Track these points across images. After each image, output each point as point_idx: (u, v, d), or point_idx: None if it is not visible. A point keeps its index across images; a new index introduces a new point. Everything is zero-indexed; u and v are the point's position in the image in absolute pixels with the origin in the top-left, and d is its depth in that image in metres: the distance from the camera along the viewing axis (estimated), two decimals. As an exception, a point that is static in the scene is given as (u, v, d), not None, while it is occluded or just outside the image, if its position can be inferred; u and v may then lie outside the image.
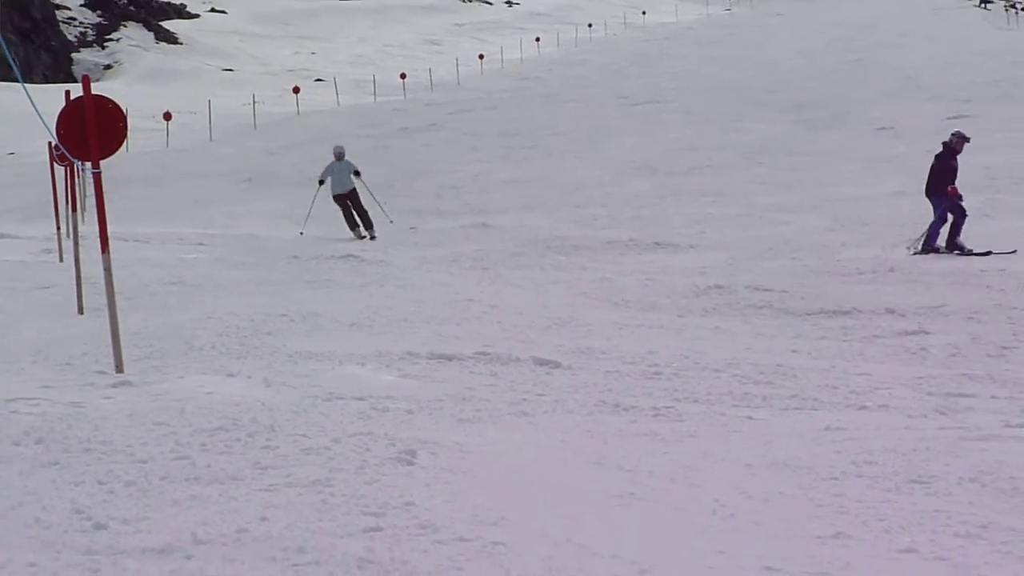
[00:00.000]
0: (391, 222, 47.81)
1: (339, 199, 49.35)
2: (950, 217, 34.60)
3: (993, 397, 19.05)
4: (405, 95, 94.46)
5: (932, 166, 35.92)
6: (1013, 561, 11.55)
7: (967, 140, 35.30)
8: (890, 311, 27.60)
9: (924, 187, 36.10)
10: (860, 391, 19.58)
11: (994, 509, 13.27)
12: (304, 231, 45.43)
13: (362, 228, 48.71)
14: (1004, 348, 23.18)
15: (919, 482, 14.24)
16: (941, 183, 34.60)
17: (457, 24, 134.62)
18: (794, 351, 23.42)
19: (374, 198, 49.63)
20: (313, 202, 47.83)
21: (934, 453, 15.61)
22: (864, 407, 18.43)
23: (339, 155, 49.86)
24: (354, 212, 49.30)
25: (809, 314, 28.13)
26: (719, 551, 11.20)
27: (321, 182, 49.75)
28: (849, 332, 25.72)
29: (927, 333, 25.24)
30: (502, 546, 10.77)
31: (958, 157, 35.43)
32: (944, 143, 36.02)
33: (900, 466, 14.82)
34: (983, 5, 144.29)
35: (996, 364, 21.90)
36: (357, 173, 49.63)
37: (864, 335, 25.40)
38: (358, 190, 49.74)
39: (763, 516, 12.49)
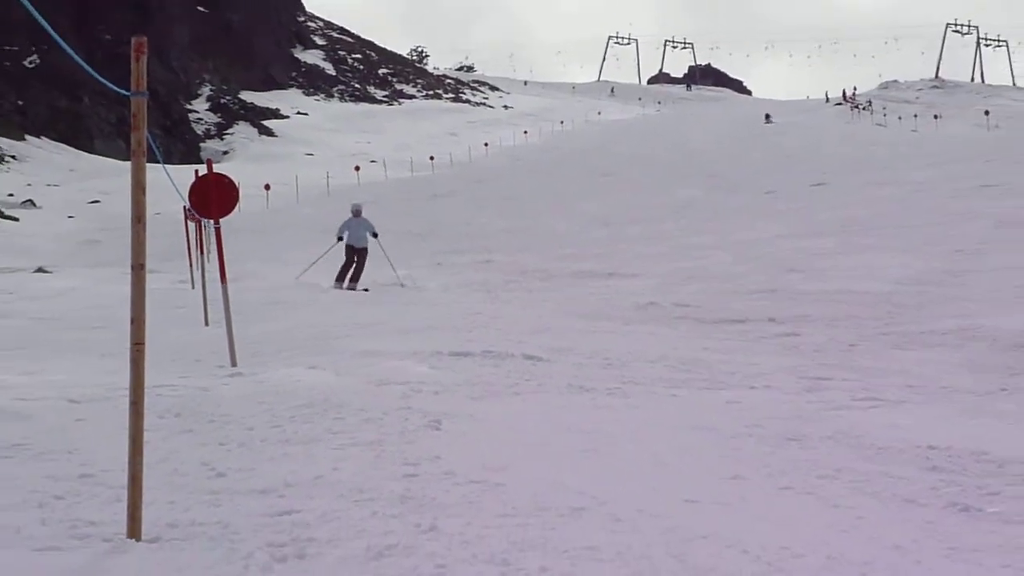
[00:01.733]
0: (402, 286, 39.95)
1: (350, 251, 42.58)
2: None
3: (844, 380, 19.08)
4: (433, 171, 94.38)
5: None
6: (861, 495, 11.55)
7: None
8: (771, 319, 27.71)
9: None
10: (751, 376, 19.63)
11: (846, 458, 13.26)
12: (300, 278, 39.71)
13: (348, 280, 41.96)
14: (851, 345, 23.25)
15: (793, 439, 14.22)
16: None
17: (470, 121, 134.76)
18: (705, 348, 23.46)
19: (389, 261, 42.21)
20: (324, 255, 41.98)
21: (803, 419, 15.61)
22: (754, 387, 18.46)
23: (356, 212, 43.33)
24: (354, 267, 42.62)
25: (716, 322, 28.20)
26: (653, 489, 11.21)
27: (340, 238, 42.95)
28: (743, 335, 25.81)
29: (797, 335, 25.30)
30: (502, 486, 10.77)
31: None
32: None
33: (779, 428, 14.81)
34: (838, 105, 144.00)
35: (847, 357, 21.98)
36: (375, 235, 42.66)
37: (754, 336, 25.47)
38: (368, 251, 42.83)
39: (684, 464, 12.48)
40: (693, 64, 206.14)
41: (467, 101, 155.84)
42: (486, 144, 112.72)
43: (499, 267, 44.89)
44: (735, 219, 54.92)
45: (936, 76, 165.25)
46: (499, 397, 16.97)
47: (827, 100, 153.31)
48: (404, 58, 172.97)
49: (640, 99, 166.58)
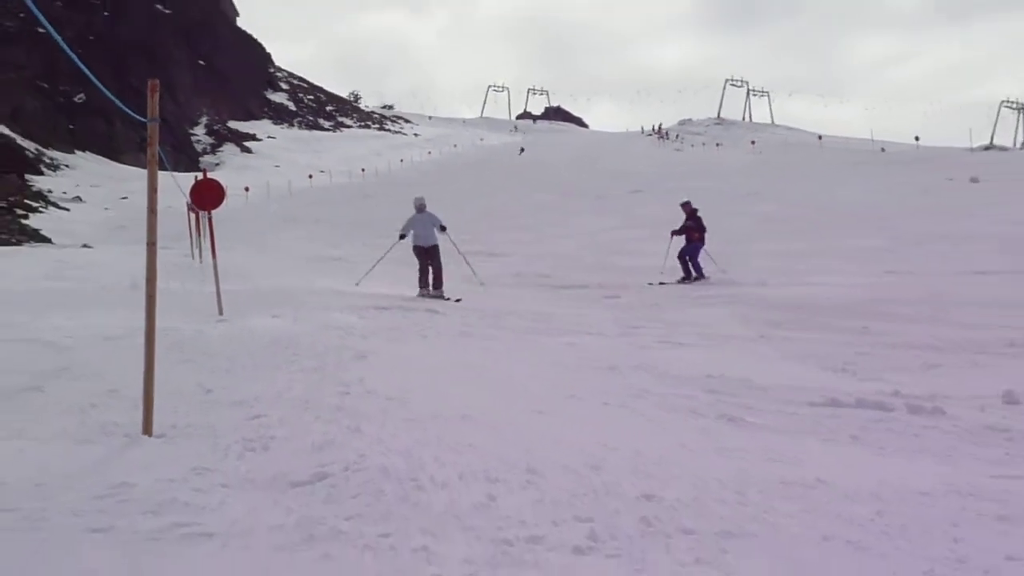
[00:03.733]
0: (482, 284, 29.90)
1: (420, 253, 28.89)
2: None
3: (650, 328, 19.22)
4: (364, 179, 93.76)
5: (688, 225, 31.48)
6: (660, 409, 11.63)
7: (685, 204, 32.26)
8: (601, 286, 27.86)
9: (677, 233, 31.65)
10: (585, 325, 19.71)
11: (649, 383, 13.35)
12: (360, 284, 28.99)
13: (432, 287, 28.27)
14: (655, 304, 23.42)
15: (613, 369, 14.33)
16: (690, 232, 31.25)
17: (390, 145, 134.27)
18: (555, 305, 23.57)
19: (464, 259, 31.51)
20: (383, 256, 31.58)
21: (620, 354, 15.73)
22: (589, 333, 18.54)
23: (420, 207, 29.62)
24: (430, 268, 28.87)
25: (562, 288, 28.34)
26: (515, 404, 11.28)
27: (402, 236, 29.60)
28: (581, 297, 25.91)
29: (619, 297, 25.46)
30: (409, 401, 10.79)
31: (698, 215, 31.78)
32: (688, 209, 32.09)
33: (604, 362, 14.91)
34: (649, 135, 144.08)
35: (653, 312, 22.12)
36: (443, 228, 28.96)
37: (588, 298, 25.56)
38: (439, 247, 29.06)
39: (536, 387, 12.53)
40: (548, 105, 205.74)
41: (388, 130, 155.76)
42: (401, 160, 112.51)
43: (406, 245, 44.01)
44: (577, 216, 54.92)
45: (718, 116, 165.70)
46: (409, 339, 16.97)
47: (642, 132, 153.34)
48: (344, 99, 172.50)
49: (510, 131, 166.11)
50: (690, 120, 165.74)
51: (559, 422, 10.64)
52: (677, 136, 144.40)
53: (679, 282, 29.53)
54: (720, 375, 13.96)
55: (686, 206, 32.09)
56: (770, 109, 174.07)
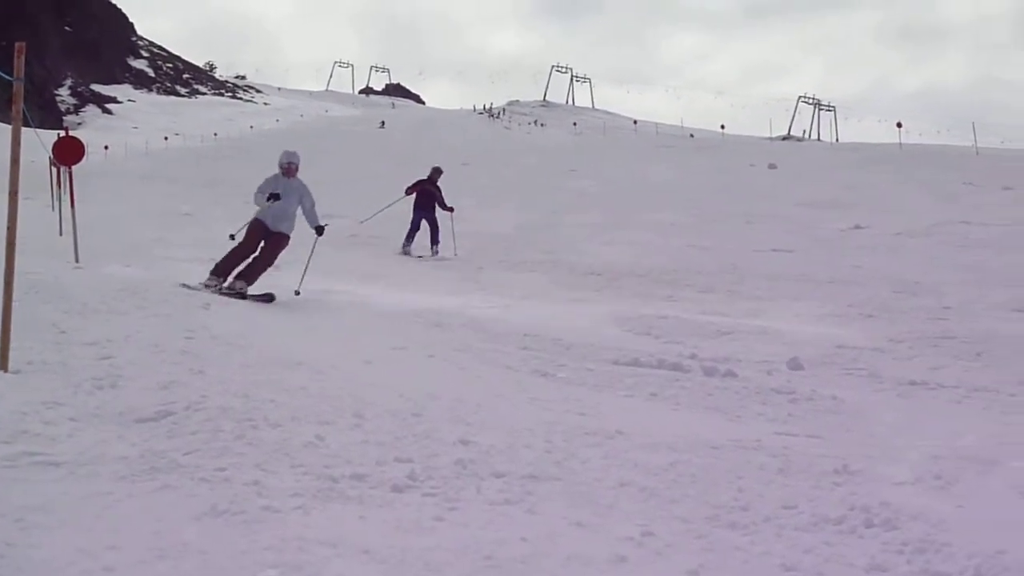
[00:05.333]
0: (297, 293, 17.04)
1: (256, 231, 17.02)
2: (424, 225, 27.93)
3: (474, 290, 19.34)
4: (216, 142, 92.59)
5: (430, 191, 28.56)
6: (479, 362, 11.72)
7: (436, 169, 29.76)
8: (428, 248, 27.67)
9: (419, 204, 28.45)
10: (413, 284, 19.71)
11: (472, 338, 13.44)
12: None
13: (237, 276, 16.55)
14: (480, 268, 23.49)
15: (439, 325, 14.44)
16: (433, 201, 28.30)
17: (241, 112, 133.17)
18: (386, 267, 23.50)
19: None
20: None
21: (447, 313, 15.81)
22: (415, 292, 18.54)
23: (288, 167, 17.31)
24: (255, 257, 16.87)
25: (396, 250, 28.10)
26: (345, 353, 11.25)
27: (276, 196, 16.84)
28: (409, 259, 25.74)
29: (448, 259, 25.42)
30: (249, 347, 10.80)
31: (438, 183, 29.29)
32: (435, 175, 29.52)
33: (432, 318, 15.07)
34: (480, 114, 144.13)
35: (477, 275, 22.26)
36: (320, 229, 17.70)
37: (417, 260, 25.51)
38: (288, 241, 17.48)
39: (367, 337, 12.56)
40: (388, 82, 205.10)
41: (240, 99, 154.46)
42: (251, 127, 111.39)
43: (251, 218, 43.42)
44: (371, 181, 54.32)
45: (544, 99, 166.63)
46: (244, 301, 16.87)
47: (474, 110, 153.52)
48: (200, 68, 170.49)
49: (353, 104, 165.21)
50: (518, 101, 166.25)
51: (386, 371, 10.66)
52: (504, 113, 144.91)
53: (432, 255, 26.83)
54: (534, 334, 14.09)
55: (435, 171, 29.58)
56: (591, 94, 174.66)
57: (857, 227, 31.29)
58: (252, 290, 16.36)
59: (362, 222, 25.42)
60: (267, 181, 17.22)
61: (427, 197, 28.02)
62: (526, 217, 35.11)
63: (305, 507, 5.93)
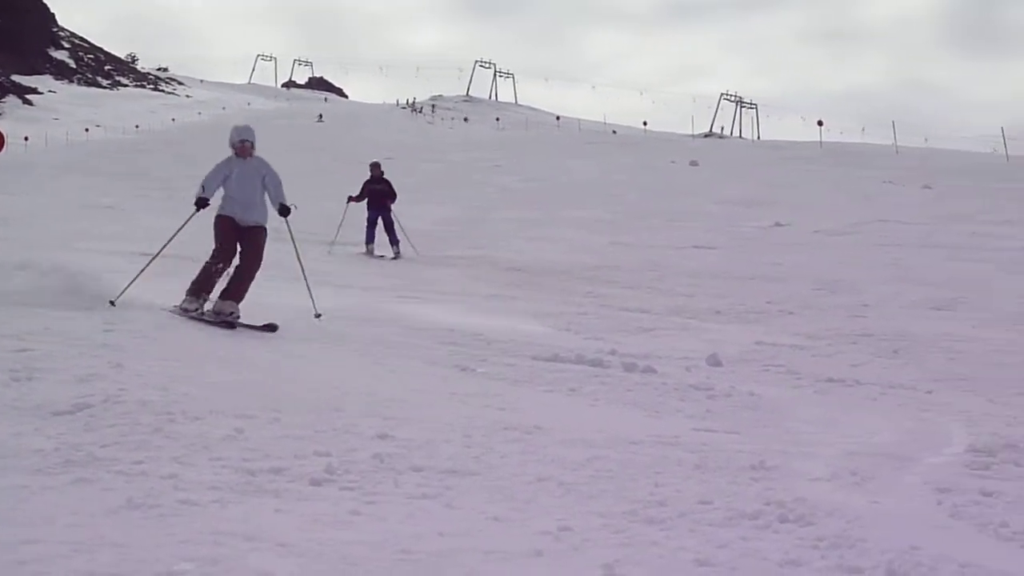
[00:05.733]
0: (318, 316, 13.80)
1: (227, 229, 13.49)
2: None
3: (397, 285, 19.27)
4: (138, 134, 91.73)
5: (378, 191, 27.08)
6: (399, 357, 11.70)
7: (374, 165, 28.12)
8: (355, 244, 27.48)
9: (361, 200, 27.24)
10: (335, 278, 19.60)
11: (395, 333, 13.43)
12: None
13: (221, 296, 13.17)
14: (405, 264, 23.40)
15: (368, 320, 14.39)
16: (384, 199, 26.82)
17: (164, 104, 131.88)
18: (325, 261, 23.37)
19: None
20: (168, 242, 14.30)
21: (373, 309, 15.82)
22: (338, 285, 18.45)
23: (241, 146, 13.71)
24: (235, 264, 13.53)
25: (319, 244, 27.84)
26: (264, 344, 11.21)
27: (203, 200, 13.57)
28: (333, 252, 25.59)
29: (382, 257, 25.35)
30: (166, 340, 10.73)
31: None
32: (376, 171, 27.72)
33: (359, 313, 14.99)
34: (403, 109, 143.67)
35: (401, 271, 22.16)
36: (285, 209, 13.90)
37: (341, 253, 25.37)
38: (266, 232, 13.82)
39: (290, 332, 12.49)
40: (312, 75, 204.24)
41: (162, 91, 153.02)
42: (173, 119, 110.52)
43: (179, 192, 42.95)
44: (336, 178, 54.13)
45: (467, 94, 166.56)
46: (174, 284, 16.66)
47: (397, 104, 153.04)
48: (122, 60, 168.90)
49: (276, 97, 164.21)
50: (441, 96, 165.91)
51: (307, 366, 10.64)
52: (428, 108, 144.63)
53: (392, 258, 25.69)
54: (456, 329, 14.11)
55: (374, 168, 28.08)
56: (514, 90, 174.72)
57: (778, 224, 31.61)
58: (245, 316, 13.03)
59: (330, 251, 24.80)
60: (217, 167, 13.76)
61: (377, 196, 27.28)
62: (451, 213, 35.17)
63: (222, 500, 5.90)
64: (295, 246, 14.57)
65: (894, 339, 14.49)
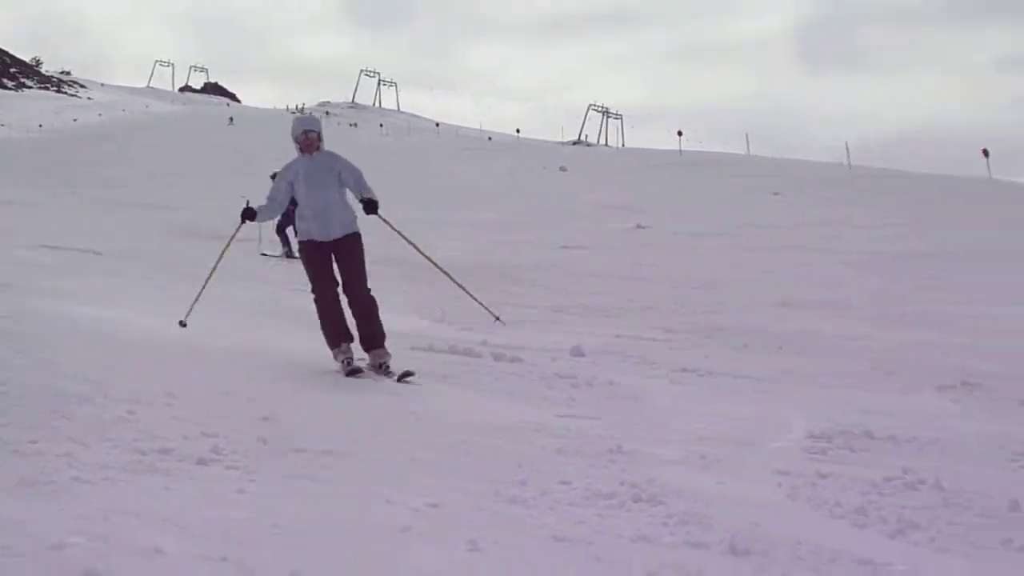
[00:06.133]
0: (497, 319, 14.61)
1: (312, 253, 10.70)
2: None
3: (292, 284, 19.14)
4: (41, 134, 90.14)
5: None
6: (291, 351, 11.63)
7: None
8: (239, 239, 27.14)
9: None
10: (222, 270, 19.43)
11: (281, 328, 13.35)
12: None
13: (363, 341, 10.58)
14: (293, 260, 23.20)
15: (252, 315, 14.29)
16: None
17: (66, 105, 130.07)
18: (194, 250, 23.09)
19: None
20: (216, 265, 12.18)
21: (261, 303, 15.74)
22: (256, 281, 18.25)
23: (308, 138, 10.79)
24: (341, 292, 10.70)
25: (211, 238, 27.42)
26: (158, 328, 11.09)
27: (251, 212, 11.06)
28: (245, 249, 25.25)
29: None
30: (70, 325, 10.58)
31: None
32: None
33: (245, 308, 14.86)
34: (293, 114, 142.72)
35: (292, 268, 21.99)
36: (370, 203, 10.71)
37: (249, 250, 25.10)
38: (361, 240, 10.92)
39: (189, 319, 12.38)
40: (207, 80, 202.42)
41: (65, 93, 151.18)
42: (75, 119, 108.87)
43: (80, 187, 42.34)
44: (219, 176, 53.55)
45: (353, 100, 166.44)
46: (91, 275, 16.46)
47: (287, 110, 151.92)
48: (26, 62, 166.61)
49: (173, 101, 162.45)
50: (328, 102, 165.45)
51: (202, 354, 10.50)
52: (320, 114, 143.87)
53: (283, 257, 24.87)
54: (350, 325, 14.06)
55: (275, 178, 26.92)
56: (397, 98, 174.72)
57: (639, 227, 31.95)
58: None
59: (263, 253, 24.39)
60: (281, 173, 10.99)
61: None
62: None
63: (113, 479, 5.86)
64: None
65: (746, 334, 14.65)
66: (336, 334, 10.47)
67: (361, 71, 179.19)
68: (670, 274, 21.82)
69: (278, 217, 15.76)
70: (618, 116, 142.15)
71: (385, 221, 11.35)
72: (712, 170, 53.65)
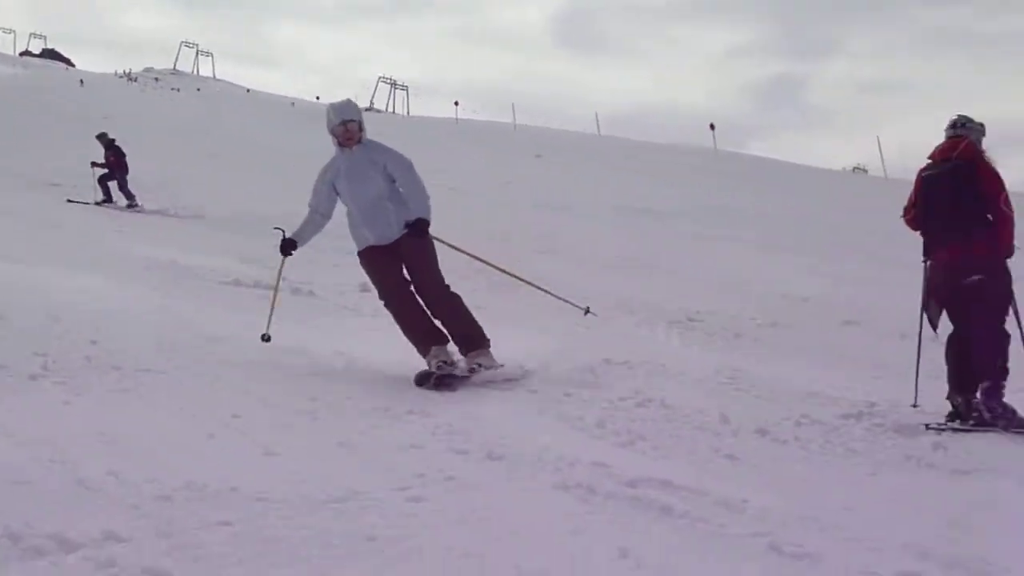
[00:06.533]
0: (587, 312, 9.78)
1: (377, 257, 8.31)
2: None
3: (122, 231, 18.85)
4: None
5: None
6: (120, 280, 11.68)
7: (101, 136, 26.59)
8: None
9: None
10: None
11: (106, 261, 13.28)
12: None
13: (458, 341, 8.17)
14: (121, 212, 22.58)
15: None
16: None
17: None
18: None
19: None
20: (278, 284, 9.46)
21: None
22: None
23: (348, 128, 8.19)
24: (417, 292, 8.26)
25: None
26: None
27: (291, 246, 8.69)
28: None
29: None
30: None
31: None
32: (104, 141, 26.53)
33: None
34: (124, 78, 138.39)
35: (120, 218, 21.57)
36: (423, 226, 8.21)
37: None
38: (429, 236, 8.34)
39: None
40: (45, 47, 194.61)
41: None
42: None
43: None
44: (47, 134, 50.71)
45: (174, 68, 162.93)
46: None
47: (116, 75, 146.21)
48: None
49: (14, 65, 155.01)
50: (152, 68, 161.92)
51: (36, 279, 10.63)
52: (149, 80, 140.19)
53: (98, 203, 24.05)
54: (156, 260, 14.19)
55: (102, 138, 26.79)
56: (213, 67, 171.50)
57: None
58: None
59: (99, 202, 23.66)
60: (320, 176, 8.62)
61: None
62: (165, 169, 33.61)
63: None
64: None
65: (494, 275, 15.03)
66: (420, 338, 8.33)
67: (181, 43, 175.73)
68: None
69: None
70: (404, 88, 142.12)
71: (440, 240, 8.66)
72: (484, 137, 54.33)
